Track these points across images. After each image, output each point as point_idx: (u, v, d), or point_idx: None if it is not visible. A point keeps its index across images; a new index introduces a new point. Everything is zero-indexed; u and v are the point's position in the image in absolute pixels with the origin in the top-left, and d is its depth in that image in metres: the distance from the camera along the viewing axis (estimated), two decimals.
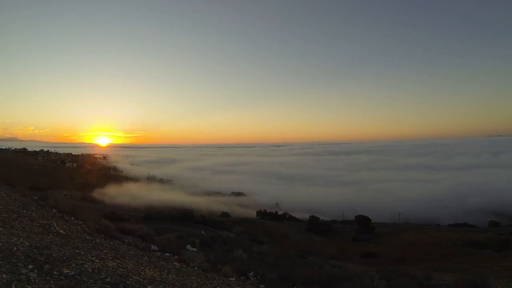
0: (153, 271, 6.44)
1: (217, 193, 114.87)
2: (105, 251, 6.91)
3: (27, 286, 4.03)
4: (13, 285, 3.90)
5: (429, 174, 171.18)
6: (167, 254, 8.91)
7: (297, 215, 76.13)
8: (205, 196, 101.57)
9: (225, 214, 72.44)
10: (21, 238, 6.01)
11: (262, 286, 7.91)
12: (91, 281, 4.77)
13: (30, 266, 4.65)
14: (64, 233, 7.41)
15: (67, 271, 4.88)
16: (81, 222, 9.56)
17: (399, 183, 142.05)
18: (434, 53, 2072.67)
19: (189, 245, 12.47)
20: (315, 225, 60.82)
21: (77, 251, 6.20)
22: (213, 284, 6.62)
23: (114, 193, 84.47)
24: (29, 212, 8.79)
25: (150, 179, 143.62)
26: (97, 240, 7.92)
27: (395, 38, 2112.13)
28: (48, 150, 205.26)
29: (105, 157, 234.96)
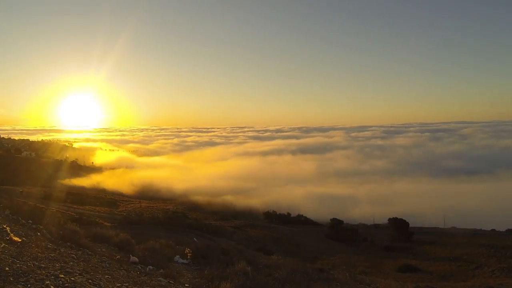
0: None
1: None
2: (71, 263, 6.95)
3: None
4: None
5: None
6: (150, 267, 8.97)
7: None
8: None
9: None
10: None
11: None
12: None
13: None
14: (19, 240, 7.45)
15: None
16: (41, 227, 9.62)
17: None
18: None
19: (178, 256, 12.56)
20: (337, 230, 61.19)
21: (37, 263, 6.22)
22: None
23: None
24: None
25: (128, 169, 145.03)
26: (62, 250, 7.98)
27: None
28: None
29: (71, 144, 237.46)
